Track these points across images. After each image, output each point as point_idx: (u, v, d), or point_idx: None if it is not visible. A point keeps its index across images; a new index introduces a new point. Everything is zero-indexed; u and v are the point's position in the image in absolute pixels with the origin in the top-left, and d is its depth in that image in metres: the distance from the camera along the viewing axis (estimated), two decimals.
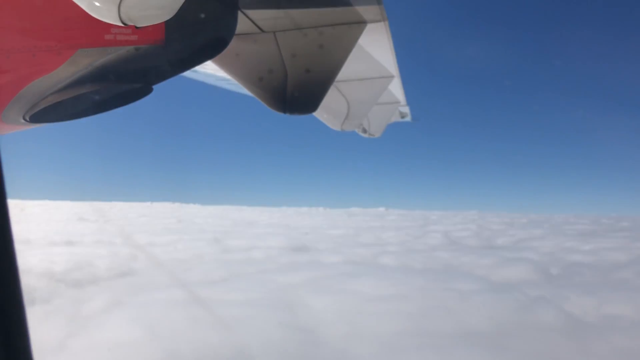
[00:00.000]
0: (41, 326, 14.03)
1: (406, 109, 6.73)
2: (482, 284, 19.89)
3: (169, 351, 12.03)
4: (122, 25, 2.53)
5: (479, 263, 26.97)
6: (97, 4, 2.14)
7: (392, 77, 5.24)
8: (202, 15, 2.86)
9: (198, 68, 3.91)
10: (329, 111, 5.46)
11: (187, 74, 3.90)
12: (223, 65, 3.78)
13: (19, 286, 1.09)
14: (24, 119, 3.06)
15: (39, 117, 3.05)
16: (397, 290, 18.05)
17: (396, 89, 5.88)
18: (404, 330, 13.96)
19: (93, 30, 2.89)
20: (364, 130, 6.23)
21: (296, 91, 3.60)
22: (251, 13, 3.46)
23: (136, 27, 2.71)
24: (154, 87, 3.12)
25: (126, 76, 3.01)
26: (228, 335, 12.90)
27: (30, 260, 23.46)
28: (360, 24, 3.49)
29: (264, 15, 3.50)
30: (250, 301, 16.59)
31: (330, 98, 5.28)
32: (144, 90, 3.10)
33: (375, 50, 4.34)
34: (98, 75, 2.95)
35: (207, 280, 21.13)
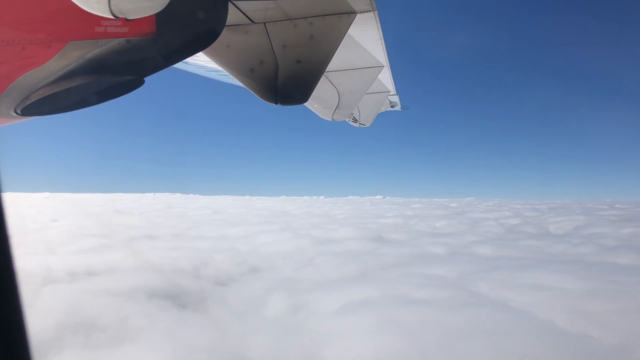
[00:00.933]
0: (274, 329, 13.01)
1: (396, 98, 6.75)
2: None
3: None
4: (113, 17, 2.53)
5: (580, 252, 25.28)
6: None
7: (381, 66, 5.26)
8: (193, 7, 2.86)
9: (189, 60, 3.90)
10: (320, 101, 5.48)
11: (179, 65, 3.90)
12: (214, 56, 3.78)
13: (16, 283, 1.07)
14: (16, 111, 3.05)
15: (30, 109, 3.04)
16: (592, 285, 16.26)
17: (386, 78, 5.90)
18: None
19: (84, 22, 2.89)
20: (355, 120, 6.24)
21: (287, 82, 3.61)
22: (241, 4, 3.46)
23: (127, 20, 2.72)
24: (146, 79, 3.12)
25: (117, 68, 3.01)
26: (511, 339, 11.41)
27: (148, 255, 22.71)
28: (350, 14, 3.50)
29: (254, 7, 3.50)
30: (459, 299, 14.97)
31: (321, 88, 5.30)
32: (136, 83, 3.10)
33: (365, 40, 4.35)
34: (89, 68, 2.94)
35: (354, 274, 19.60)
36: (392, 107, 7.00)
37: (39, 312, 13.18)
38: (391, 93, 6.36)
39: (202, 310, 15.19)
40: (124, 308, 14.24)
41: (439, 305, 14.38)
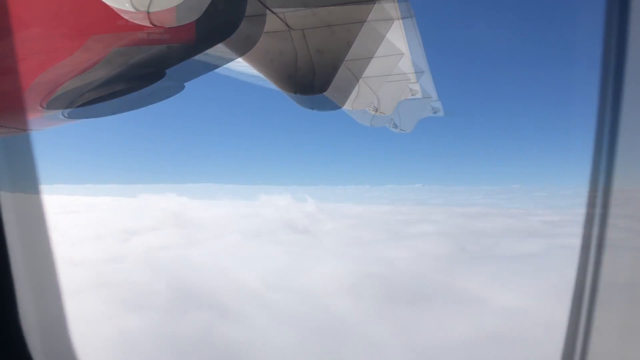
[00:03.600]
0: None
1: (438, 104, 6.58)
2: None
3: None
4: (134, 11, 2.60)
5: None
6: None
7: (422, 72, 5.17)
8: None
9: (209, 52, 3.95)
10: (359, 107, 5.41)
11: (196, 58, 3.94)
12: (234, 47, 3.79)
13: (57, 282, 1.05)
14: (41, 106, 3.16)
15: (54, 103, 3.14)
16: None
17: (427, 84, 5.78)
18: None
19: (106, 16, 2.97)
20: (395, 126, 6.14)
21: (307, 72, 3.56)
22: None
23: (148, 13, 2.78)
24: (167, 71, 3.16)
25: (140, 61, 3.07)
26: None
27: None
28: (370, 3, 3.42)
29: None
30: None
31: (361, 94, 5.24)
32: (157, 75, 3.15)
33: (403, 46, 4.27)
34: (111, 61, 3.02)
35: None
36: (434, 112, 6.82)
37: None
38: (433, 99, 6.21)
39: None
40: None
41: None
